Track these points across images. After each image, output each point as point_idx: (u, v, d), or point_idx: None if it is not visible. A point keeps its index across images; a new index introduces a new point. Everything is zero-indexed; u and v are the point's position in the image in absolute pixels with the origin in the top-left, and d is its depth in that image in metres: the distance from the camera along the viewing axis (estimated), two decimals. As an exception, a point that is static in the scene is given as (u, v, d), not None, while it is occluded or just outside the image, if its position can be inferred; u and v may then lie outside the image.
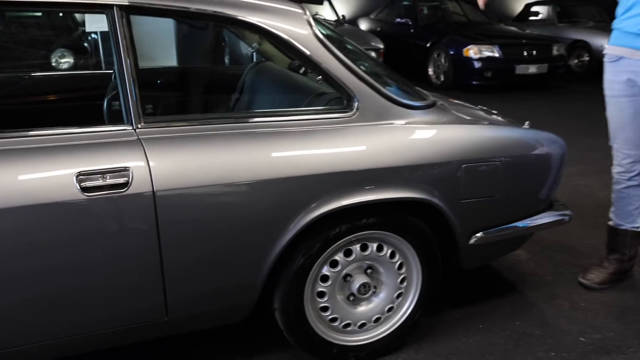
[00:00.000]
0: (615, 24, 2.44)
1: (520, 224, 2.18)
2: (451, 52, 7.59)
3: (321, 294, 1.96)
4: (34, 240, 1.51)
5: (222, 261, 1.74)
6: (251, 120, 1.83)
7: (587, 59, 9.10)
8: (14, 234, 1.49)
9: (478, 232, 2.08)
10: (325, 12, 8.26)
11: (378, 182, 1.85)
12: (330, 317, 2.00)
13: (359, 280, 1.99)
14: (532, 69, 7.65)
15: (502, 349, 2.18)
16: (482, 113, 2.45)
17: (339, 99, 1.92)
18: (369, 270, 2.03)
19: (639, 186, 2.53)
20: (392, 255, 2.02)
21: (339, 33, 2.35)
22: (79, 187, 1.52)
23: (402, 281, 2.07)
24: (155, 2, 1.73)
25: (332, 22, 7.92)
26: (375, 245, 1.98)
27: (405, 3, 9.22)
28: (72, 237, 1.55)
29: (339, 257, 1.94)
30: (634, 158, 2.48)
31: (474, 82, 7.49)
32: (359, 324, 2.05)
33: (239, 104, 2.70)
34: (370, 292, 2.03)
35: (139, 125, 1.66)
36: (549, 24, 9.97)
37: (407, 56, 8.52)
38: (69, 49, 5.64)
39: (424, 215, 2.01)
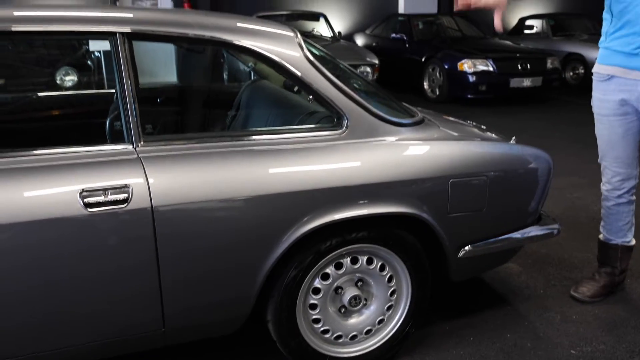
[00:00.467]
0: (603, 42, 2.44)
1: (508, 237, 2.25)
2: (446, 67, 7.70)
3: (313, 306, 2.02)
4: (40, 253, 1.60)
5: (217, 273, 1.82)
6: (245, 138, 1.92)
7: (582, 71, 9.21)
8: (21, 247, 1.57)
9: (466, 245, 2.15)
10: (321, 28, 8.38)
11: (367, 197, 1.92)
12: (322, 328, 2.06)
13: (350, 292, 2.06)
14: (527, 82, 7.75)
15: (493, 361, 2.23)
16: (470, 129, 2.52)
17: (330, 117, 2.00)
18: (359, 283, 2.09)
19: (628, 203, 2.56)
20: (382, 268, 2.09)
21: (329, 54, 2.44)
22: (82, 203, 1.61)
23: (392, 294, 2.13)
24: (155, 29, 1.84)
25: (328, 38, 8.05)
26: (365, 259, 2.05)
27: (400, 19, 9.36)
28: (75, 250, 1.63)
29: (330, 270, 2.01)
30: (623, 176, 2.51)
31: (469, 96, 7.59)
32: (350, 335, 2.11)
33: (235, 121, 2.78)
34: (361, 305, 2.09)
35: (139, 144, 1.74)
36: (543, 37, 10.10)
37: (402, 71, 8.63)
38: (73, 67, 5.72)
39: (413, 229, 2.08)
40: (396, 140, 2.04)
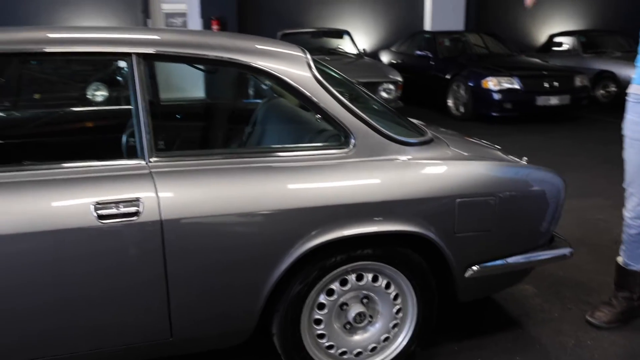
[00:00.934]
0: None
1: (516, 259, 2.23)
2: (470, 84, 7.68)
3: (318, 321, 2.05)
4: (54, 261, 1.68)
5: (223, 286, 1.87)
6: (253, 155, 1.98)
7: (614, 89, 9.05)
8: (38, 255, 1.66)
9: (474, 266, 2.15)
10: (346, 45, 8.46)
11: (373, 215, 1.95)
12: (326, 344, 2.08)
13: (355, 309, 2.08)
14: (554, 100, 7.66)
15: (501, 383, 2.21)
16: (483, 149, 2.52)
17: (337, 136, 2.04)
18: (365, 300, 2.11)
19: None
20: (388, 286, 2.11)
21: (339, 73, 2.49)
22: (95, 215, 1.69)
23: (397, 312, 2.14)
24: (170, 50, 1.93)
25: (352, 55, 8.11)
26: (370, 276, 2.07)
27: (426, 36, 9.38)
28: (87, 259, 1.71)
29: (335, 286, 2.03)
30: None
31: (494, 114, 7.54)
32: (355, 352, 2.13)
33: (250, 138, 2.84)
34: (366, 322, 2.11)
35: (151, 160, 1.82)
36: (573, 54, 9.97)
37: (427, 88, 8.63)
38: (104, 82, 5.91)
39: (420, 247, 2.09)
40: (403, 159, 2.06)
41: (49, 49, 1.82)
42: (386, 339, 2.16)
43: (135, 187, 1.75)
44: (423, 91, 8.69)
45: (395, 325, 2.16)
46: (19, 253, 1.65)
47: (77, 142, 2.87)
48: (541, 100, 7.56)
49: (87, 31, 2.00)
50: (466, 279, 2.15)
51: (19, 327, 1.70)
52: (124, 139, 2.27)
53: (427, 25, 11.68)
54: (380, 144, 2.04)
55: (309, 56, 2.10)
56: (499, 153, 2.46)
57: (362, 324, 2.11)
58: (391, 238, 2.04)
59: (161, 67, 3.65)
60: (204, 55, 1.96)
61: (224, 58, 1.97)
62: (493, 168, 2.18)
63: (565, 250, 2.36)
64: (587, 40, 10.15)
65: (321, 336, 2.07)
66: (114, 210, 1.71)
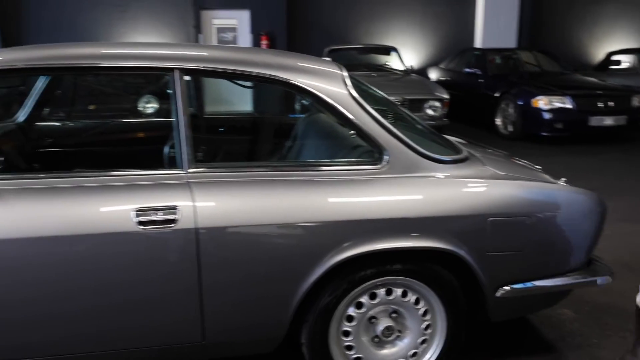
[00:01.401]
0: None
1: (550, 281, 2.20)
2: (520, 103, 7.55)
3: (346, 333, 2.08)
4: (96, 263, 1.80)
5: (254, 294, 1.94)
6: (290, 169, 2.04)
7: (676, 111, 8.67)
8: (83, 256, 1.79)
9: (505, 286, 2.13)
10: (393, 61, 8.49)
11: (404, 230, 1.98)
12: (354, 356, 2.11)
13: (383, 323, 2.10)
14: (608, 120, 7.42)
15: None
16: (522, 168, 2.49)
17: (371, 152, 2.09)
18: (394, 314, 2.13)
19: None
20: (417, 302, 2.12)
21: (376, 90, 2.53)
22: (136, 221, 1.79)
23: (426, 328, 2.15)
24: (216, 66, 2.03)
25: (399, 72, 8.13)
26: (400, 291, 2.09)
27: (476, 53, 9.30)
28: (126, 262, 1.82)
29: (364, 299, 2.06)
30: None
31: (544, 134, 7.38)
32: (382, 366, 2.15)
33: (290, 152, 2.92)
34: (394, 336, 2.13)
35: (190, 170, 1.91)
36: (633, 73, 9.64)
37: (475, 106, 8.54)
38: (154, 95, 6.17)
39: (450, 265, 2.10)
40: (436, 176, 2.08)
41: (102, 64, 1.96)
42: (414, 354, 2.16)
43: (173, 195, 1.85)
44: (471, 109, 8.60)
45: (423, 341, 2.16)
46: (67, 254, 1.77)
47: (124, 152, 3.02)
48: (594, 121, 7.35)
49: (136, 47, 2.13)
50: (498, 298, 2.13)
51: (64, 323, 1.82)
52: (165, 149, 2.39)
53: (478, 42, 11.60)
54: (413, 160, 2.07)
55: (345, 73, 2.15)
56: (537, 173, 2.43)
57: (391, 338, 2.13)
58: (422, 254, 2.06)
59: (210, 81, 3.80)
60: (246, 71, 2.05)
61: (265, 75, 2.05)
62: (528, 188, 2.16)
63: (603, 276, 2.30)
64: (648, 59, 9.80)
65: (349, 348, 2.10)
66: (153, 217, 1.81)
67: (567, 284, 2.23)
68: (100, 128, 3.22)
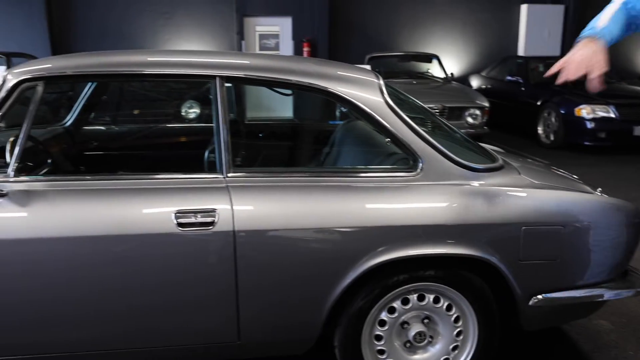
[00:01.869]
0: None
1: (584, 291, 2.18)
2: (562, 112, 7.41)
3: (378, 337, 2.12)
4: (137, 263, 1.89)
5: (289, 296, 1.99)
6: (326, 174, 2.10)
7: None
8: (125, 256, 1.88)
9: (539, 294, 2.13)
10: (434, 69, 8.46)
11: (437, 237, 2.00)
12: (386, 360, 2.14)
13: (415, 328, 2.13)
14: (654, 131, 7.20)
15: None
16: (557, 178, 2.48)
17: (406, 159, 2.12)
18: (426, 320, 2.15)
19: None
20: (449, 308, 2.14)
21: (412, 98, 2.57)
22: (176, 223, 1.87)
23: (458, 334, 2.16)
24: (255, 74, 2.11)
25: (439, 80, 8.10)
26: (432, 297, 2.11)
27: (518, 61, 9.18)
28: (165, 262, 1.90)
29: (396, 304, 2.10)
30: None
31: (586, 143, 7.22)
32: (414, 370, 2.17)
33: (327, 158, 2.97)
34: (426, 341, 2.15)
35: (228, 175, 1.99)
36: (682, 83, 9.32)
37: (516, 114, 8.42)
38: (197, 100, 6.32)
39: (483, 272, 2.11)
40: (470, 184, 2.10)
41: (146, 71, 2.06)
42: (446, 360, 2.18)
43: (212, 198, 1.93)
44: (512, 117, 8.49)
45: (455, 348, 2.18)
46: (110, 253, 1.87)
47: (166, 156, 3.13)
48: (639, 131, 7.15)
49: (180, 55, 2.23)
50: (531, 307, 2.13)
51: (105, 320, 1.93)
52: (206, 154, 2.47)
53: (521, 51, 11.45)
54: (447, 168, 2.10)
55: (382, 82, 2.20)
56: (574, 182, 2.42)
57: (422, 344, 2.15)
58: (454, 261, 2.08)
59: (252, 88, 3.89)
60: (285, 79, 2.11)
61: (303, 83, 2.11)
62: (563, 198, 2.15)
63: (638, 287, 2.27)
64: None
65: (381, 352, 2.14)
66: (192, 219, 1.89)
67: (602, 295, 2.20)
68: (143, 132, 3.34)
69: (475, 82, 9.96)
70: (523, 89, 8.46)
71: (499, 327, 2.17)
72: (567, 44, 11.38)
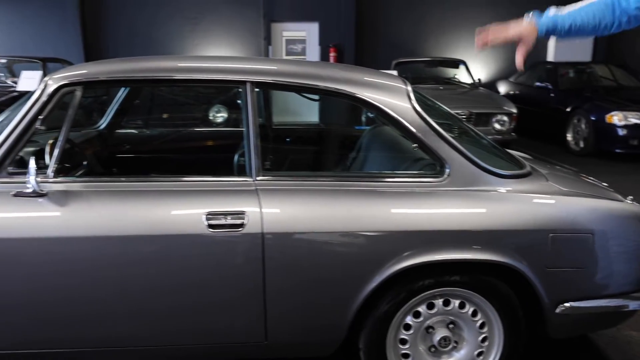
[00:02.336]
0: None
1: (614, 301, 2.15)
2: (592, 118, 7.29)
3: (403, 341, 2.13)
4: (167, 262, 1.94)
5: (316, 298, 2.02)
6: (354, 179, 2.12)
7: None
8: (157, 256, 1.94)
9: (566, 302, 2.11)
10: (461, 75, 8.42)
11: (463, 243, 2.01)
12: (410, 364, 2.15)
13: (440, 333, 2.14)
14: (687, 138, 7.03)
15: None
16: (585, 185, 2.46)
17: (433, 165, 2.14)
18: (451, 325, 2.16)
19: None
20: (474, 314, 2.14)
21: (440, 104, 2.58)
22: (206, 224, 1.91)
23: (483, 340, 2.16)
24: (285, 79, 2.15)
25: (467, 85, 8.06)
26: (457, 302, 2.12)
27: (547, 66, 9.07)
28: (195, 262, 1.95)
29: (421, 308, 2.11)
30: None
31: (617, 150, 7.10)
32: (438, 375, 2.18)
33: (354, 163, 3.00)
34: (451, 346, 2.16)
35: (258, 178, 2.03)
36: None
37: (544, 121, 8.32)
38: (224, 104, 6.42)
39: (509, 279, 2.11)
40: (496, 190, 2.10)
41: (177, 76, 2.12)
42: (471, 366, 2.18)
43: (241, 201, 1.97)
44: (541, 124, 8.39)
45: (480, 354, 2.18)
46: (143, 253, 1.93)
47: (196, 159, 3.20)
48: (672, 138, 6.99)
49: (210, 60, 2.28)
50: (557, 315, 2.12)
51: (137, 317, 1.98)
52: (235, 158, 2.53)
53: (551, 56, 11.30)
54: (474, 174, 2.10)
55: (409, 88, 2.22)
56: (604, 190, 2.39)
57: (447, 349, 2.16)
58: (480, 267, 2.08)
59: (278, 92, 3.95)
60: (313, 85, 2.15)
61: (332, 89, 2.15)
62: (592, 205, 2.14)
63: None
64: None
65: (406, 356, 2.15)
66: (222, 221, 1.94)
67: (628, 305, 2.18)
68: (172, 136, 3.42)
69: (502, 88, 9.87)
70: (552, 95, 8.36)
71: (524, 334, 2.17)
72: (599, 47, 11.22)
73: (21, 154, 2.03)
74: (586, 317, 2.18)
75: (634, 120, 7.02)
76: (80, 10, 10.55)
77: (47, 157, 2.00)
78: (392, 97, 2.15)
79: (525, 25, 1.85)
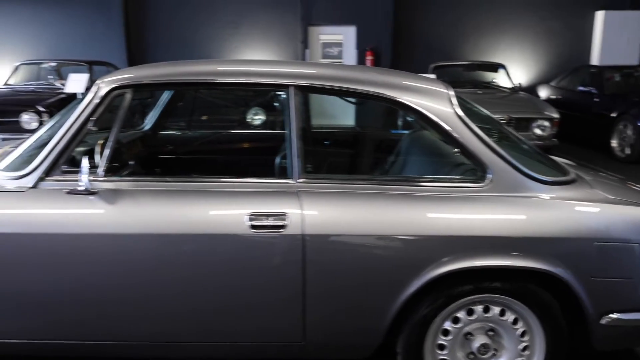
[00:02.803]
0: None
1: None
2: None
3: (441, 347, 2.12)
4: (211, 261, 1.99)
5: (355, 300, 2.03)
6: (394, 183, 2.13)
7: None
8: (201, 254, 1.98)
9: (611, 313, 2.06)
10: (501, 79, 8.29)
11: (504, 249, 1.99)
12: (448, 370, 2.14)
13: (479, 340, 2.11)
14: None
15: None
16: (633, 193, 2.39)
17: (474, 170, 2.12)
18: (490, 332, 2.13)
19: None
20: (515, 322, 2.11)
21: (481, 108, 2.55)
22: (249, 224, 1.94)
23: (524, 349, 2.13)
24: (327, 83, 2.17)
25: (506, 90, 7.93)
26: (497, 309, 2.09)
27: (591, 70, 8.83)
28: (238, 261, 1.99)
29: (461, 314, 2.09)
30: None
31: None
32: (477, 383, 2.15)
33: (393, 166, 3.00)
34: (490, 354, 2.13)
35: (299, 180, 2.05)
36: None
37: (587, 126, 8.10)
38: (262, 107, 6.47)
39: (552, 287, 2.07)
40: (539, 197, 2.07)
41: (223, 80, 2.16)
42: (510, 375, 2.15)
43: (283, 202, 2.00)
44: (584, 130, 8.17)
45: (520, 363, 2.14)
46: (189, 252, 1.98)
47: (238, 160, 3.25)
48: None
49: (251, 64, 2.32)
50: (602, 326, 2.06)
51: (180, 314, 2.03)
52: (277, 160, 2.56)
53: (595, 60, 11.01)
54: (517, 180, 2.08)
55: (451, 92, 2.21)
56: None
57: (486, 356, 2.13)
58: (522, 274, 2.05)
59: (315, 96, 3.97)
60: (354, 89, 2.17)
61: (371, 92, 2.16)
62: (638, 214, 2.08)
63: None
64: None
65: (444, 361, 2.14)
66: (264, 222, 1.97)
67: None
68: (212, 137, 3.48)
69: (543, 93, 9.67)
70: (596, 99, 8.13)
71: (567, 344, 2.12)
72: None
73: (72, 153, 2.11)
74: (632, 330, 2.12)
75: (682, 127, 6.78)
76: (124, 15, 10.82)
77: (97, 156, 2.06)
78: (434, 101, 2.14)
79: None
